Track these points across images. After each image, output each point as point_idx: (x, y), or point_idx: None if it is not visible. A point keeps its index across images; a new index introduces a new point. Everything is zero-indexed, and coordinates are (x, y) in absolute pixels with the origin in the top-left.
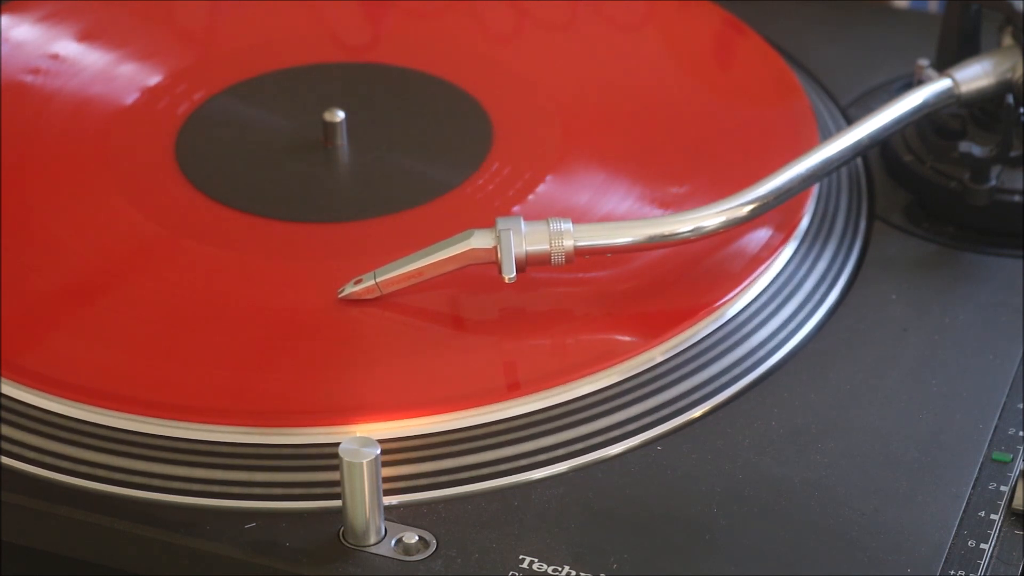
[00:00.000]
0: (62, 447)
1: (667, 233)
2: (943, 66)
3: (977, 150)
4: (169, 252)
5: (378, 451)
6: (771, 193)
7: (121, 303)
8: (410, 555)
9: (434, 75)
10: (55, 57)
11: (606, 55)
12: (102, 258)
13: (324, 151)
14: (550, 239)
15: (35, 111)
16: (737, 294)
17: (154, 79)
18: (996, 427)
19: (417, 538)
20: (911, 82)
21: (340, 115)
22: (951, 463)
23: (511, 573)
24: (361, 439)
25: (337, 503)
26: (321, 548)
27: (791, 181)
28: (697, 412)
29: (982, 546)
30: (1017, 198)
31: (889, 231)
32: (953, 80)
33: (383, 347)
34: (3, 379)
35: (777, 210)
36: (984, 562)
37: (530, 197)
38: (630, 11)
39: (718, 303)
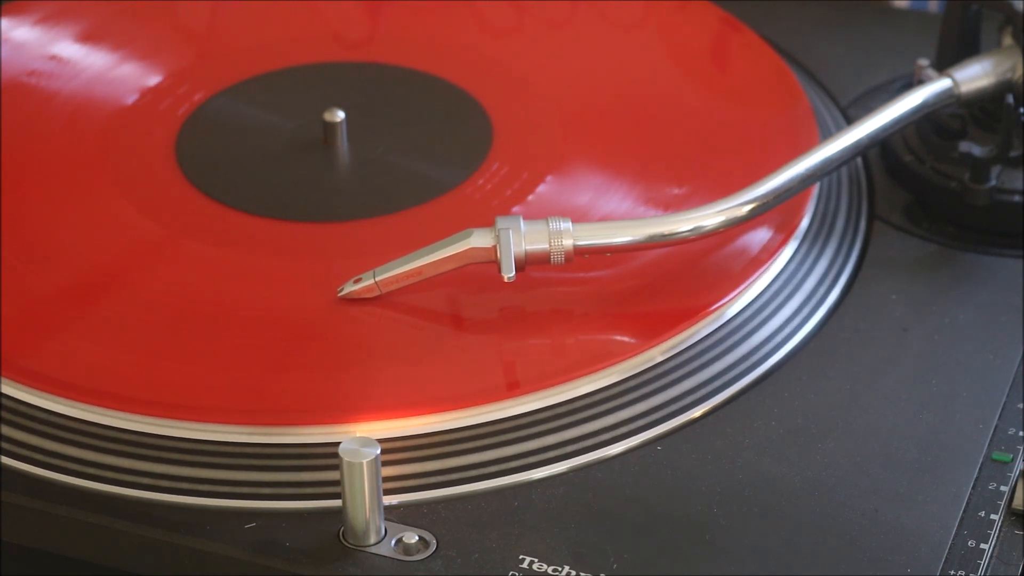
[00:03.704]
0: (62, 447)
1: (667, 233)
2: (943, 66)
3: (977, 150)
4: (169, 252)
5: (378, 451)
6: (771, 193)
7: (121, 303)
8: (410, 555)
9: (434, 75)
10: (55, 58)
11: (606, 55)
12: (102, 258)
13: (324, 151)
14: (549, 238)
15: (35, 112)
16: (737, 294)
17: (154, 79)
18: (996, 427)
19: (417, 538)
20: (911, 82)
21: (340, 115)
22: (951, 463)
23: (511, 573)
24: (361, 439)
25: (337, 503)
26: (321, 548)
27: (791, 181)
28: (697, 412)
29: (982, 546)
30: (1017, 198)
31: (889, 231)
32: (953, 80)
33: (383, 346)
34: (3, 379)
35: (777, 210)
36: (984, 562)
37: (530, 197)
38: (630, 11)
39: (718, 303)
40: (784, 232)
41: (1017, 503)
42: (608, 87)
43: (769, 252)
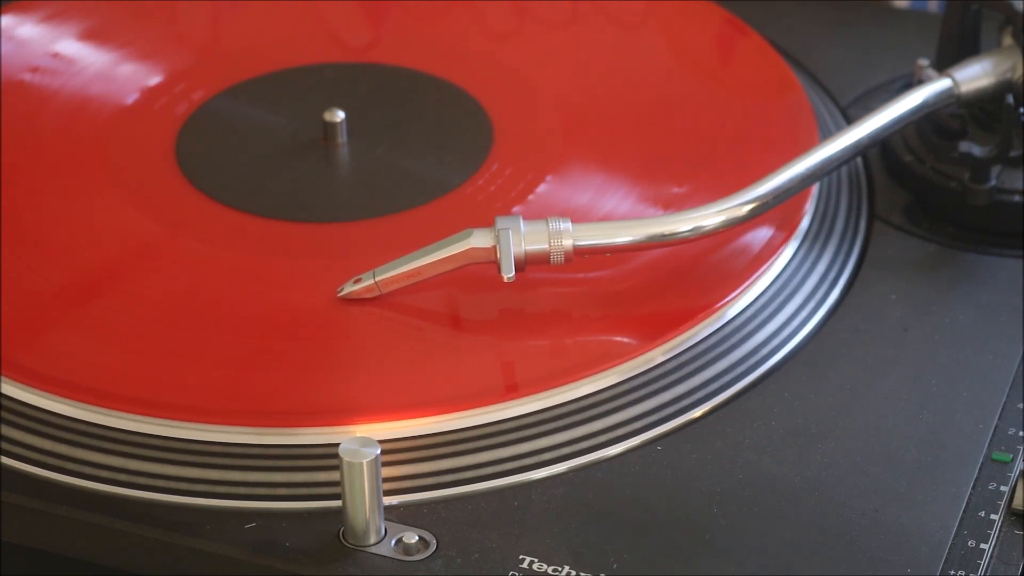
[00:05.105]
0: (62, 447)
1: (666, 233)
2: (943, 66)
3: (977, 150)
4: (169, 252)
5: (378, 451)
6: (770, 193)
7: (121, 303)
8: (410, 555)
9: (434, 75)
10: (56, 57)
11: (607, 55)
12: (102, 258)
13: (324, 151)
14: (549, 238)
15: (35, 111)
16: (737, 294)
17: (154, 79)
18: (996, 427)
19: (417, 538)
20: (911, 82)
21: (340, 115)
22: (951, 463)
23: (511, 573)
24: (361, 439)
25: (337, 503)
26: (321, 548)
27: (790, 181)
28: (697, 412)
29: (982, 546)
30: (1017, 198)
31: (889, 231)
32: (953, 80)
33: (383, 347)
34: (3, 379)
35: (777, 210)
36: (984, 562)
37: (530, 197)
38: (631, 11)
39: (718, 303)
40: (784, 232)
41: (1017, 503)
42: (608, 87)
43: (769, 252)
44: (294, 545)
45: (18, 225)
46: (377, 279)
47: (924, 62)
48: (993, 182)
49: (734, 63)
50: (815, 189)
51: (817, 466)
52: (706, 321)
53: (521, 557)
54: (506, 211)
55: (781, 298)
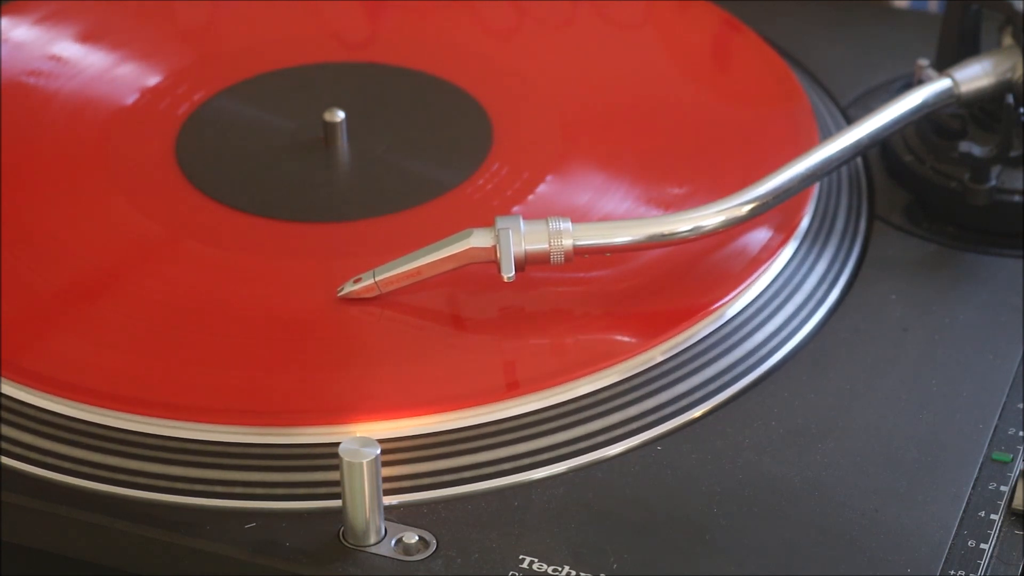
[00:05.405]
0: (62, 447)
1: (666, 232)
2: (943, 66)
3: (977, 150)
4: (169, 252)
5: (378, 451)
6: (770, 193)
7: (121, 303)
8: (410, 555)
9: (434, 75)
10: (55, 58)
11: (606, 55)
12: (102, 258)
13: (324, 151)
14: (549, 238)
15: (35, 111)
16: (737, 294)
17: (154, 79)
18: (996, 427)
19: (417, 538)
20: (911, 82)
21: (340, 115)
22: (951, 463)
23: (511, 573)
24: (361, 439)
25: (337, 503)
26: (321, 548)
27: (790, 181)
28: (697, 412)
29: (982, 546)
30: (1017, 198)
31: (889, 231)
32: (953, 80)
33: (383, 346)
34: (3, 379)
35: (777, 210)
36: (984, 562)
37: (530, 197)
38: (630, 11)
39: (718, 303)
40: (784, 232)
41: (1017, 503)
42: (608, 87)
43: (769, 252)
44: (294, 545)
45: (18, 225)
46: (377, 279)
47: (924, 62)
48: (993, 182)
49: (734, 63)
50: (815, 189)
51: (817, 466)
52: (706, 320)
53: (521, 557)
54: (506, 211)
55: (781, 298)
